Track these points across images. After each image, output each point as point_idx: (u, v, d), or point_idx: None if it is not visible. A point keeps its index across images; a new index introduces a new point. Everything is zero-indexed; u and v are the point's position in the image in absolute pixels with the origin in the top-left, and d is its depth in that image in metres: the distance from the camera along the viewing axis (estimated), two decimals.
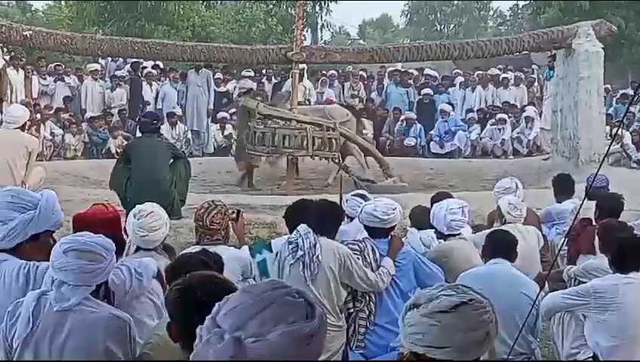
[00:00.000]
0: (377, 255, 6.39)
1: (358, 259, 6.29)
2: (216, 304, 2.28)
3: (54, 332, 3.88)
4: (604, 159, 11.14)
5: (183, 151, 11.07)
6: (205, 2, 32.32)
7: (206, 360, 2.15)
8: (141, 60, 18.96)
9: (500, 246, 6.17)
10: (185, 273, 3.58)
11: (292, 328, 2.17)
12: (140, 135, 11.08)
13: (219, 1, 34.60)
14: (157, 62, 19.87)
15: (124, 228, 5.87)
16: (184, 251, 5.36)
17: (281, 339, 2.14)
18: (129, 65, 20.05)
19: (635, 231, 6.71)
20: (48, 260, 4.40)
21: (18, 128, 10.41)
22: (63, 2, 32.51)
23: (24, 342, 3.88)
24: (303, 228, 6.26)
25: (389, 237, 6.56)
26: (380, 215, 6.45)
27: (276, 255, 6.39)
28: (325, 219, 6.39)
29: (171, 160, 10.31)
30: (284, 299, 2.23)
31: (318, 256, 6.12)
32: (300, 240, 6.17)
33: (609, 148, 13.61)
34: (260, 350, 2.13)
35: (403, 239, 7.17)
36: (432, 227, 7.30)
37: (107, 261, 3.98)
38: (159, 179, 9.95)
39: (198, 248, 5.25)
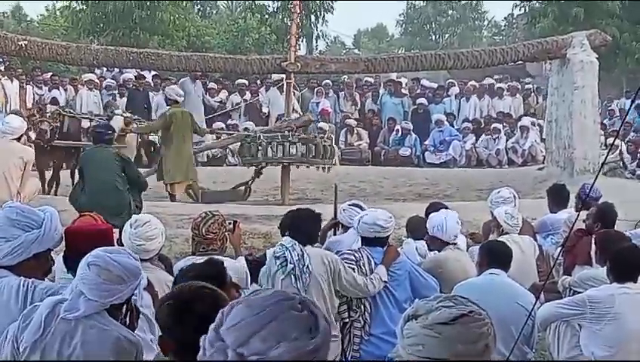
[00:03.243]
0: (373, 265, 6.39)
1: (353, 269, 6.29)
2: (220, 312, 2.25)
3: (63, 341, 3.89)
4: (600, 170, 11.15)
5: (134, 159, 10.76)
6: (200, 12, 32.36)
7: None
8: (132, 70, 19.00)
9: (496, 256, 6.15)
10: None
11: (295, 345, 2.14)
12: (95, 145, 10.53)
13: (214, 11, 34.64)
14: (156, 73, 19.89)
15: (119, 238, 5.87)
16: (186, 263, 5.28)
17: (283, 357, 2.11)
18: (129, 74, 20.04)
19: (632, 241, 6.70)
20: (46, 277, 4.43)
21: (15, 139, 10.41)
22: (58, 12, 32.53)
23: (32, 346, 3.89)
24: (287, 240, 6.25)
25: (386, 246, 6.55)
26: (382, 223, 6.46)
27: (265, 270, 6.35)
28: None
29: (122, 169, 10.07)
30: (288, 313, 2.19)
31: (307, 265, 6.11)
32: (287, 253, 6.16)
33: (605, 159, 13.64)
34: None
35: (399, 249, 7.16)
36: None
37: (127, 284, 3.95)
38: (111, 186, 9.85)
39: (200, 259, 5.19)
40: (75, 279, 3.99)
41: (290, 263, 6.09)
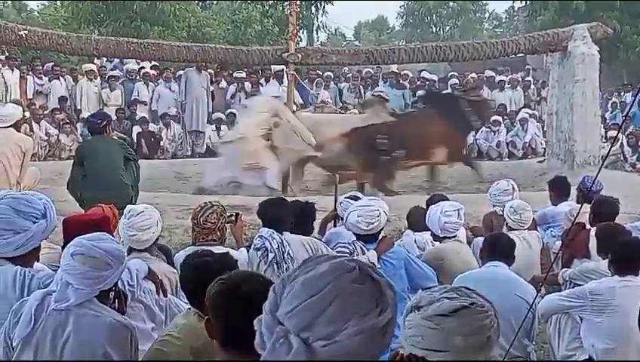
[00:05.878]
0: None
1: None
2: (272, 291, 2.05)
3: (55, 332, 3.88)
4: (602, 163, 11.13)
5: (134, 149, 10.52)
6: (201, 3, 32.28)
7: None
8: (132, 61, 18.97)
9: (498, 248, 6.14)
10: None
11: (364, 323, 1.96)
12: (90, 136, 10.24)
13: (214, 2, 34.57)
14: (155, 63, 19.83)
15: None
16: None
17: (354, 340, 1.94)
18: (127, 65, 19.99)
19: (633, 234, 6.69)
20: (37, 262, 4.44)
21: (11, 127, 10.31)
22: (58, 2, 32.44)
23: (25, 340, 3.88)
24: (264, 231, 6.24)
25: (378, 238, 6.54)
26: (364, 226, 6.45)
27: (247, 264, 6.24)
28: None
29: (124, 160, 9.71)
30: (351, 288, 1.99)
31: (288, 251, 6.09)
32: (266, 243, 6.15)
33: (609, 152, 13.63)
34: (332, 354, 1.93)
35: (398, 241, 7.15)
36: (429, 229, 7.30)
37: (113, 269, 3.95)
38: (115, 179, 9.42)
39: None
40: (60, 270, 3.98)
41: (271, 252, 6.08)
